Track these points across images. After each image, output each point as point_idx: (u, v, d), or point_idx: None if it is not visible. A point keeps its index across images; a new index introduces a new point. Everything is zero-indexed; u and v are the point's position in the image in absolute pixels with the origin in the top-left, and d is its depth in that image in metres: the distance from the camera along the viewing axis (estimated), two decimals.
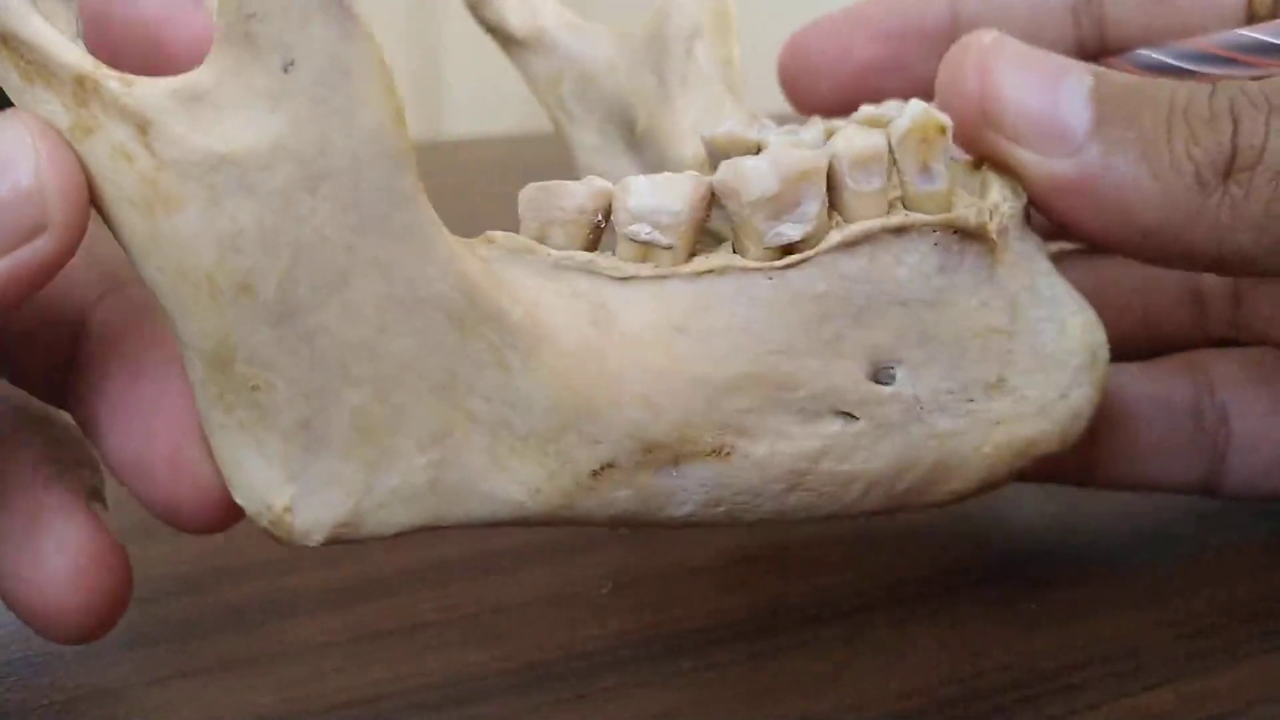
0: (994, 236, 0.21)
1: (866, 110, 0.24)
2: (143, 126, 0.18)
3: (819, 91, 0.29)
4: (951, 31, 0.27)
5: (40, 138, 0.18)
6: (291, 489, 0.19)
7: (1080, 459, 0.25)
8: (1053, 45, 0.27)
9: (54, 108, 0.18)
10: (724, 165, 0.20)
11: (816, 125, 0.26)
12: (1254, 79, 0.22)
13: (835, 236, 0.20)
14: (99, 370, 0.21)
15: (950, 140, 0.20)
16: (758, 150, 0.25)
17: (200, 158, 0.18)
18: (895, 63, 0.28)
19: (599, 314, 0.19)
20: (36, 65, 0.18)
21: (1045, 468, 0.23)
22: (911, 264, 0.20)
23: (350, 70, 0.17)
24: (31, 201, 0.18)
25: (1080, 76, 0.22)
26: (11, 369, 0.22)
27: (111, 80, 0.18)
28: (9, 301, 0.18)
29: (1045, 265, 0.22)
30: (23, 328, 0.21)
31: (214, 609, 0.25)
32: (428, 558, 0.27)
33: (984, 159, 0.23)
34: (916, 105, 0.20)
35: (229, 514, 0.20)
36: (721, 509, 0.20)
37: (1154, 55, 0.26)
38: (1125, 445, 0.26)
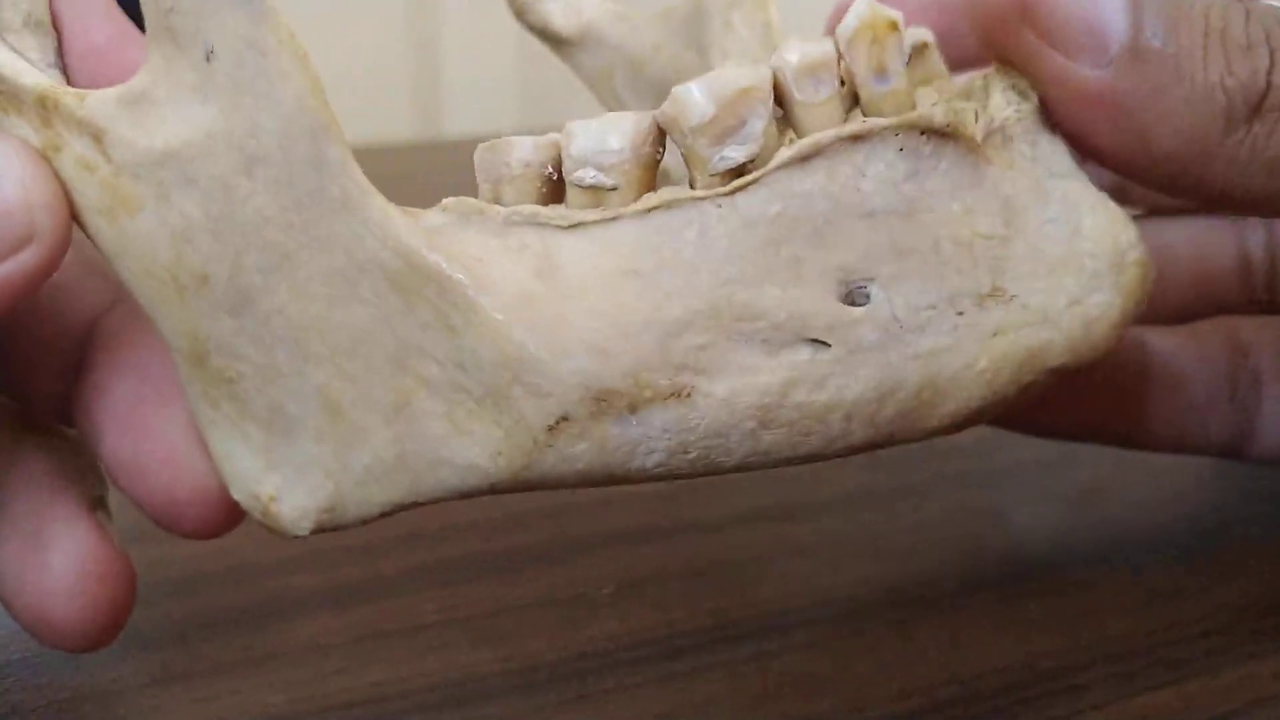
0: (970, 133, 0.19)
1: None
2: (97, 136, 0.18)
3: None
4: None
5: (23, 154, 0.18)
6: (275, 477, 0.19)
7: (1126, 418, 0.25)
8: None
9: (26, 132, 0.19)
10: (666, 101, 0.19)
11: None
12: None
13: (785, 153, 0.18)
14: (102, 377, 0.21)
15: (903, 36, 0.19)
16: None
17: (147, 157, 0.18)
18: (947, 34, 0.27)
19: (543, 264, 0.18)
20: (6, 94, 0.19)
21: (1088, 419, 0.22)
22: (876, 174, 0.19)
23: (264, 50, 0.17)
24: (19, 214, 0.18)
25: None
26: (15, 384, 0.22)
27: (67, 96, 0.18)
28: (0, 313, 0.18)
29: (1065, 165, 0.21)
30: (30, 342, 0.21)
31: (214, 610, 0.25)
32: (429, 558, 0.27)
33: (1006, 61, 0.21)
34: (862, 3, 0.19)
35: (227, 517, 0.20)
36: (693, 454, 0.19)
37: None
38: (1168, 406, 0.26)
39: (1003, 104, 0.21)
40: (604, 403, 0.18)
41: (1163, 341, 0.27)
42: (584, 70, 0.28)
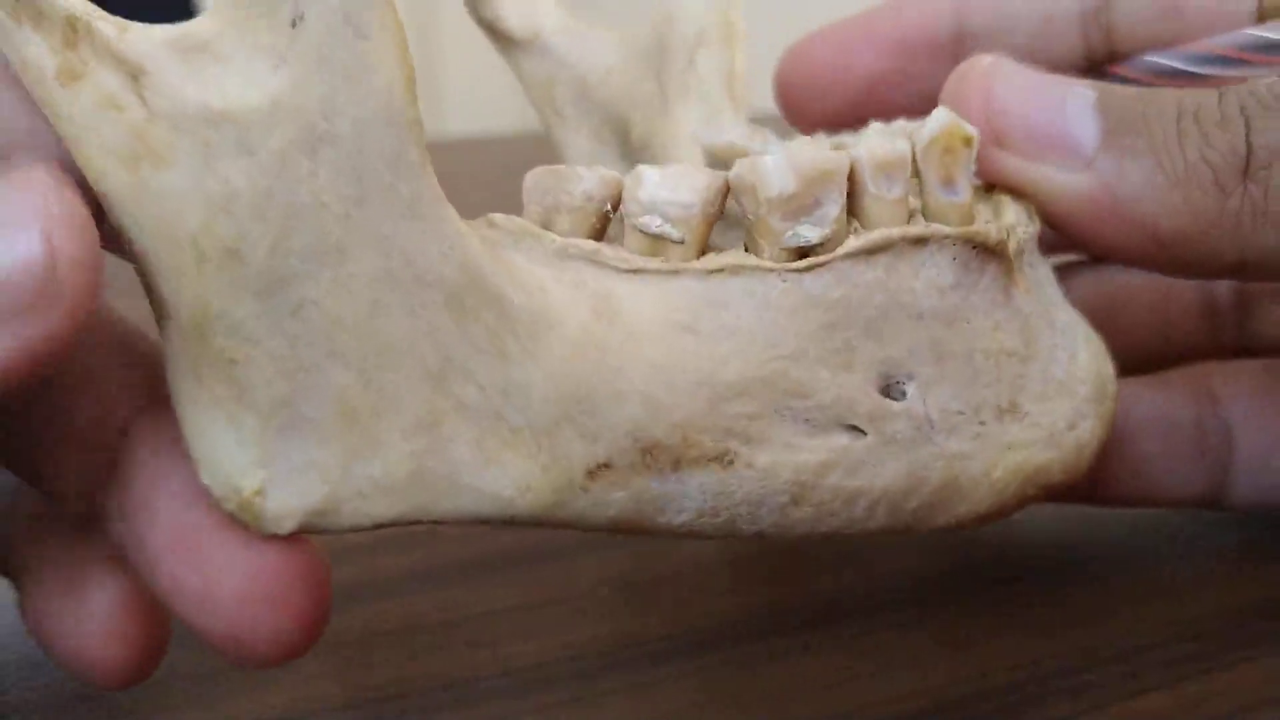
0: (1012, 256, 0.20)
1: (877, 127, 0.24)
2: (135, 74, 0.17)
3: (820, 104, 0.28)
4: (957, 43, 0.27)
5: (54, 202, 0.17)
6: (264, 472, 0.18)
7: (1085, 477, 0.25)
8: (1062, 56, 0.26)
9: (40, 49, 0.17)
10: (740, 161, 0.19)
11: (822, 140, 0.25)
12: (1265, 79, 0.21)
13: (854, 242, 0.19)
14: (148, 493, 0.19)
15: (974, 153, 0.20)
16: None
17: (195, 112, 0.17)
18: (900, 75, 0.27)
19: (603, 305, 0.18)
20: (25, 3, 0.17)
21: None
22: (929, 277, 0.19)
23: (363, 31, 0.16)
24: (40, 271, 0.17)
25: (1083, 90, 0.22)
26: (36, 478, 0.20)
27: (105, 24, 0.17)
28: (13, 379, 0.17)
29: (1057, 293, 0.22)
30: (53, 434, 0.20)
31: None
32: (428, 559, 0.27)
33: (995, 183, 0.22)
34: (943, 114, 0.20)
35: (304, 646, 0.19)
36: (721, 519, 0.19)
37: (1161, 60, 0.26)
38: (1129, 462, 0.26)
39: (1015, 221, 0.21)
40: (650, 455, 0.18)
41: (1126, 392, 0.26)
42: (525, 74, 0.28)
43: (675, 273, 0.19)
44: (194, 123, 0.17)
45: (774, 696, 0.22)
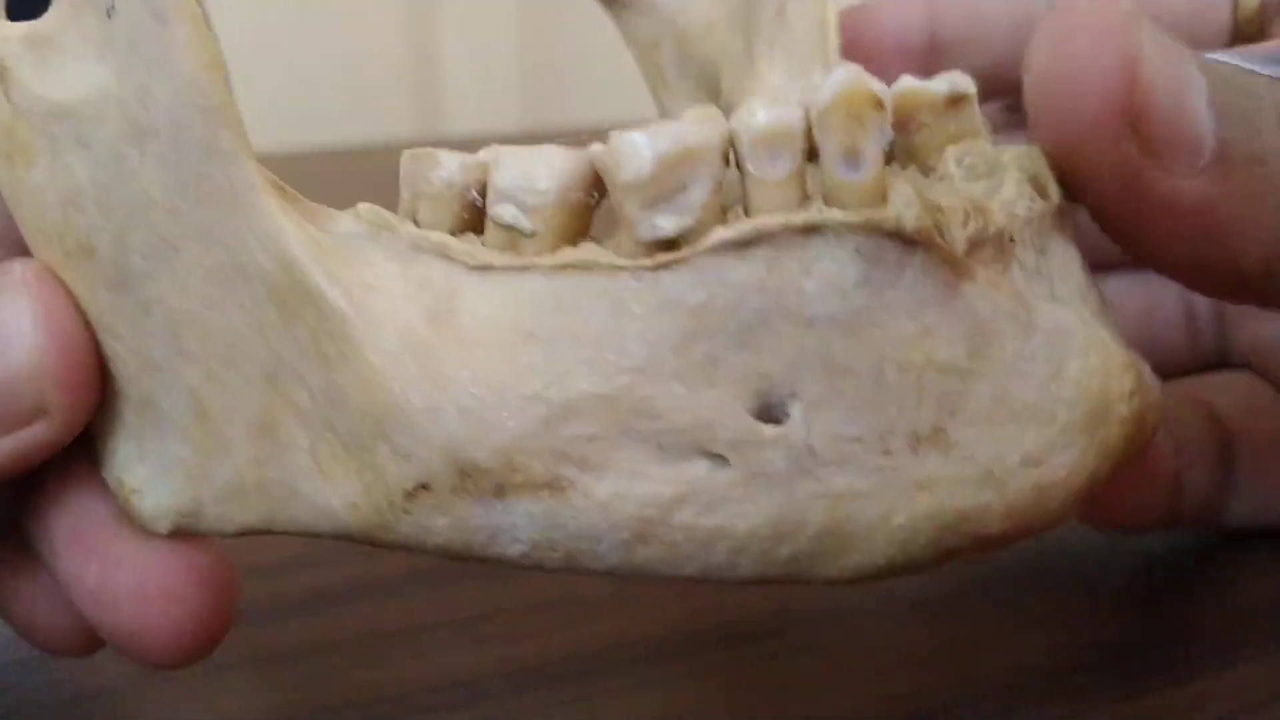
0: (946, 242, 0.16)
1: (908, 82, 0.19)
2: (1, 72, 0.17)
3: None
4: (928, 51, 0.26)
5: (41, 313, 0.17)
6: (142, 470, 0.18)
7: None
8: None
9: None
10: (609, 137, 0.16)
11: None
12: None
13: (720, 234, 0.16)
14: (50, 485, 0.19)
15: (886, 118, 0.16)
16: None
17: (43, 107, 0.17)
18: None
19: (441, 308, 0.16)
20: None
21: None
22: (823, 274, 0.16)
23: (164, 16, 0.16)
24: (27, 387, 0.17)
25: (1199, 76, 0.17)
26: None
27: None
28: (2, 479, 0.17)
29: (1072, 285, 0.18)
30: None
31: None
32: (428, 559, 0.27)
33: (1084, 171, 0.18)
34: (845, 71, 0.16)
35: (199, 649, 0.18)
36: (559, 554, 0.16)
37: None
38: (1137, 479, 0.25)
39: (1014, 197, 0.18)
40: (468, 478, 0.16)
41: None
42: (632, 36, 0.26)
43: (524, 269, 0.16)
44: (43, 118, 0.17)
45: (774, 696, 0.22)
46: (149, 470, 0.18)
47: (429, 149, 0.17)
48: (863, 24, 0.27)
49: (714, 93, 0.25)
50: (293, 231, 0.16)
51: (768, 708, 0.22)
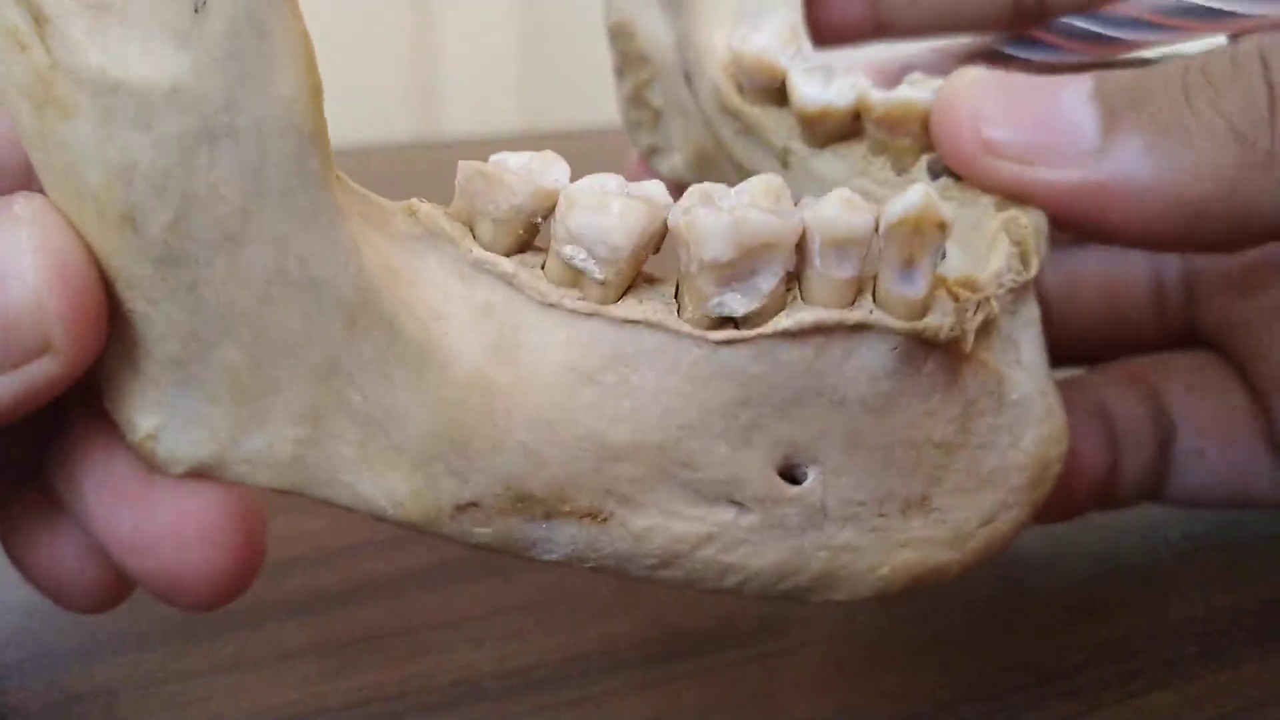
0: (967, 347, 0.18)
1: (916, 78, 0.22)
2: (38, 18, 0.16)
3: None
4: (876, 24, 0.27)
5: (42, 249, 0.16)
6: (158, 418, 0.18)
7: None
8: (986, 13, 0.26)
9: None
10: (685, 206, 0.17)
11: (850, 78, 0.23)
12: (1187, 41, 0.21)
13: (784, 322, 0.17)
14: (84, 442, 0.19)
15: (946, 239, 0.17)
16: (782, 86, 0.23)
17: (96, 75, 0.16)
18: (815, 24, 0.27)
19: (506, 340, 0.17)
20: None
21: None
22: (862, 362, 0.18)
23: (266, 32, 0.16)
24: (28, 323, 0.17)
25: (1079, 83, 0.21)
26: None
27: None
28: (12, 418, 0.17)
29: (1031, 355, 0.20)
30: None
31: (213, 611, 0.25)
32: (428, 560, 0.27)
33: (996, 194, 0.21)
34: (917, 192, 0.17)
35: (233, 591, 0.19)
36: (588, 565, 0.18)
37: (1077, 23, 0.25)
38: (1078, 461, 0.25)
39: (1003, 269, 0.19)
40: (521, 504, 0.18)
41: (1068, 389, 0.26)
42: None
43: (589, 315, 0.17)
44: (94, 84, 0.16)
45: (773, 696, 0.22)
46: (168, 418, 0.18)
47: (497, 166, 0.18)
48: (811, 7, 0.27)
49: None
50: (370, 259, 0.17)
51: (767, 708, 0.22)
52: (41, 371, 0.17)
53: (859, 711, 0.22)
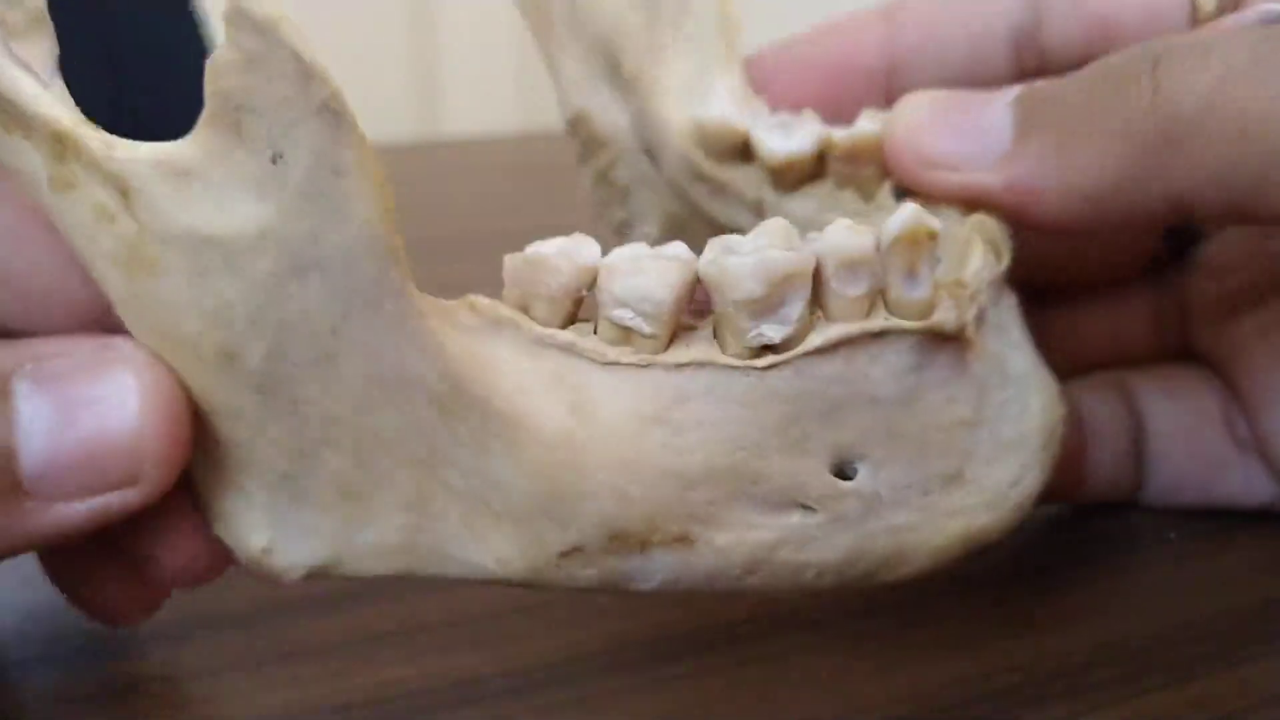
0: (971, 335, 0.21)
1: (870, 113, 0.25)
2: (125, 192, 0.18)
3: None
4: (888, 69, 0.28)
5: (146, 388, 0.18)
6: (270, 533, 0.20)
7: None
8: (994, 78, 0.27)
9: (33, 159, 0.18)
10: (711, 257, 0.19)
11: (808, 125, 0.26)
12: None
13: (815, 340, 0.20)
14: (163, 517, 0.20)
15: (938, 244, 0.20)
16: (745, 145, 0.26)
17: (184, 234, 0.18)
18: (835, 104, 0.27)
19: (579, 400, 0.19)
20: (14, 116, 0.18)
21: None
22: (886, 363, 0.20)
23: (340, 170, 0.17)
24: (124, 456, 0.18)
25: (1005, 93, 0.23)
26: None
27: (92, 141, 0.18)
28: (82, 538, 0.18)
29: (1018, 333, 0.22)
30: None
31: (213, 611, 0.25)
32: None
33: (933, 200, 0.23)
34: (908, 210, 0.20)
35: (215, 566, 0.21)
36: (681, 586, 0.20)
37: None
38: (1070, 462, 0.26)
39: (981, 266, 0.22)
40: (618, 541, 0.19)
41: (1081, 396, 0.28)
42: None
43: (646, 366, 0.20)
44: (182, 243, 0.18)
45: (773, 697, 0.22)
46: (279, 531, 0.20)
47: (538, 254, 0.20)
48: (827, 43, 0.28)
49: (609, 57, 0.27)
50: (455, 348, 0.19)
51: (767, 708, 0.22)
52: (121, 500, 0.18)
53: (858, 712, 0.22)
